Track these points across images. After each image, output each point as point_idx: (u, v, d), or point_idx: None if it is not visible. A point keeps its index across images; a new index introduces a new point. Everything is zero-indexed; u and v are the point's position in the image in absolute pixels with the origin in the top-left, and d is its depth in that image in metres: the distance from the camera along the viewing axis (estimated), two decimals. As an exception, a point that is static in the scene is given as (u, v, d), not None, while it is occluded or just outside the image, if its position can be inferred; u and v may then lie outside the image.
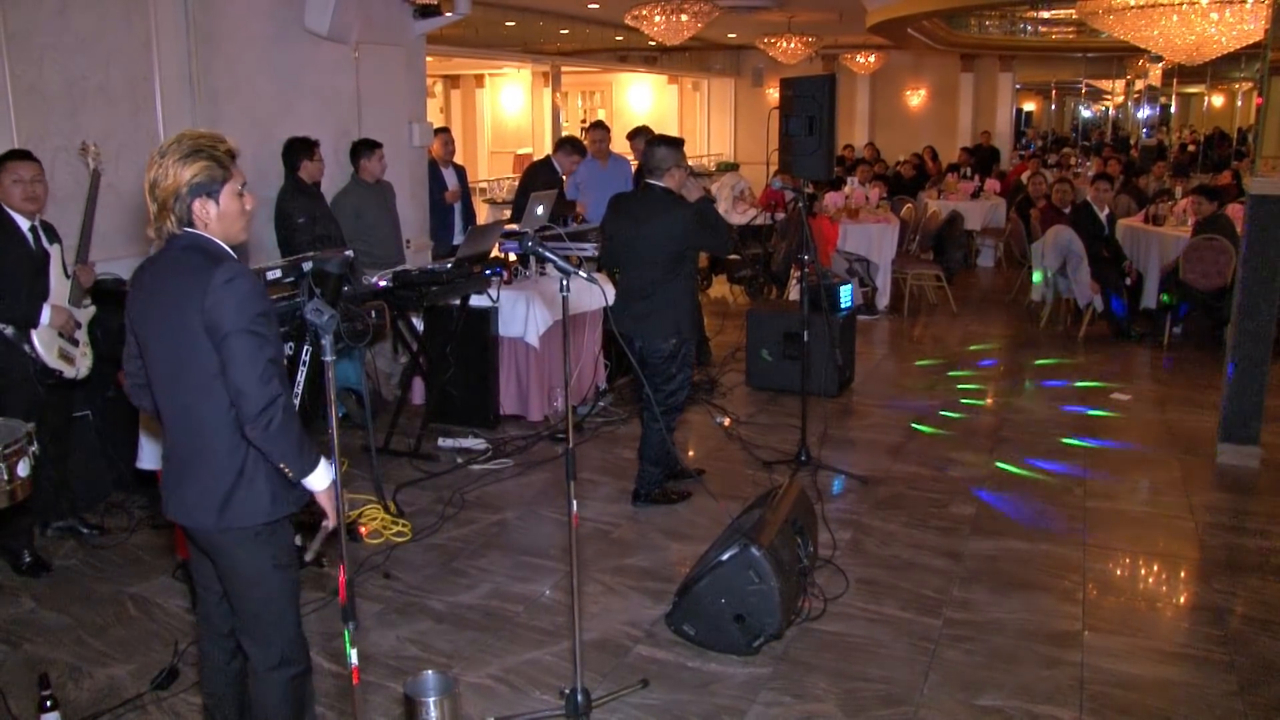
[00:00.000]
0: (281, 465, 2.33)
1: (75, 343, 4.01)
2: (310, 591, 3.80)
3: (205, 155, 2.30)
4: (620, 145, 8.21)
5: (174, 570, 3.89)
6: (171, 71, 5.09)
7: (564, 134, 7.54)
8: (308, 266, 4.19)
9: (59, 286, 3.93)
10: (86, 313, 4.09)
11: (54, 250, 3.93)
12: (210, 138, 2.34)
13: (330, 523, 2.43)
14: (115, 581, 3.91)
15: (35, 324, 3.83)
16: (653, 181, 4.44)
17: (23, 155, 3.86)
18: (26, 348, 3.82)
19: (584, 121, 17.78)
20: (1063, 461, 5.21)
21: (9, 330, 3.79)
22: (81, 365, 4.04)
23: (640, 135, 7.23)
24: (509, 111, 19.17)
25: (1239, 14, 8.42)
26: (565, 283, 2.77)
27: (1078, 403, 6.25)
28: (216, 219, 2.34)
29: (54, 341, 3.89)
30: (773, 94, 15.84)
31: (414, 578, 3.94)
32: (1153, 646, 3.43)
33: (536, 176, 6.97)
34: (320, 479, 2.38)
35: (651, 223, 4.38)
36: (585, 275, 2.75)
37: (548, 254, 2.79)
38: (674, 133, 18.74)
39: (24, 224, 3.81)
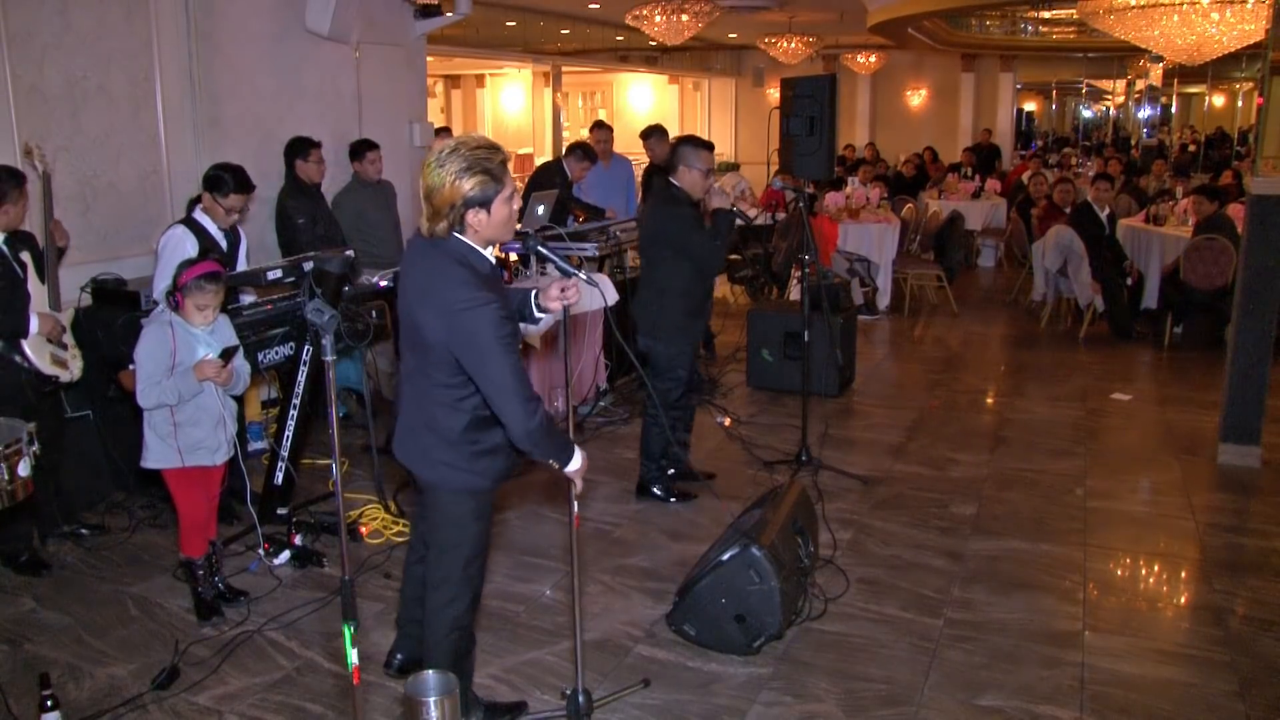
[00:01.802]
0: (547, 461, 2.64)
1: (64, 346, 3.99)
2: (311, 591, 3.81)
3: (481, 169, 2.47)
4: (624, 145, 8.20)
5: (174, 570, 3.89)
6: (172, 71, 5.09)
7: (576, 140, 7.55)
8: (308, 266, 4.20)
9: (36, 293, 3.89)
10: (66, 315, 4.06)
11: (26, 257, 3.88)
12: (487, 150, 2.51)
13: (576, 489, 2.76)
14: (115, 581, 3.91)
15: (25, 333, 3.80)
16: (670, 178, 4.46)
17: (18, 183, 3.80)
18: (17, 358, 3.79)
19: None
20: (1064, 461, 5.21)
21: None
22: (74, 367, 4.03)
23: (652, 134, 7.23)
24: (510, 111, 19.18)
25: (1239, 14, 8.42)
26: (567, 301, 2.77)
27: (1078, 403, 6.25)
28: (487, 226, 2.53)
29: (44, 348, 3.87)
30: (773, 94, 15.84)
31: (414, 578, 3.94)
32: (1153, 647, 3.43)
33: (550, 179, 6.98)
34: (574, 466, 2.67)
35: (651, 217, 4.47)
36: (585, 276, 2.75)
37: (549, 254, 2.79)
38: (674, 132, 18.76)
39: None
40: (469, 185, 2.46)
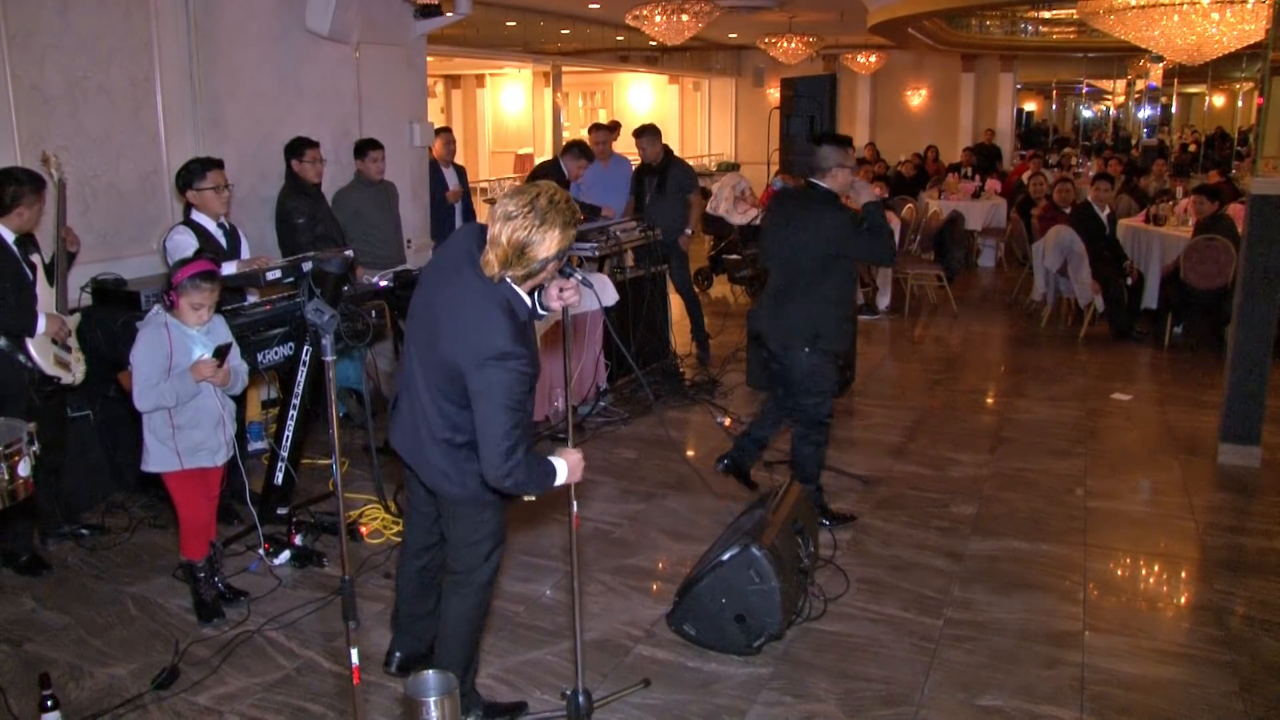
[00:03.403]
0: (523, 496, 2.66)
1: (68, 349, 4.00)
2: (311, 591, 3.81)
3: (574, 225, 2.51)
4: (624, 145, 8.22)
5: (174, 570, 3.89)
6: (172, 71, 5.09)
7: (574, 139, 7.60)
8: (307, 266, 4.20)
9: (45, 295, 3.92)
10: (73, 319, 4.09)
11: (36, 259, 3.91)
12: (573, 206, 2.56)
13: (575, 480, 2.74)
14: (116, 581, 3.91)
15: (32, 332, 3.82)
16: (814, 181, 4.24)
17: (37, 188, 3.84)
18: (21, 358, 3.81)
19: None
20: (1064, 461, 5.21)
21: (2, 342, 3.77)
22: (77, 370, 4.03)
23: (645, 134, 7.22)
24: (510, 111, 19.20)
25: (1240, 14, 8.42)
26: (564, 302, 2.76)
27: (1078, 403, 6.25)
28: (551, 274, 2.60)
29: (49, 349, 3.89)
30: (774, 94, 15.84)
31: (414, 578, 3.94)
32: (1153, 646, 3.43)
33: (546, 178, 6.98)
34: (560, 480, 2.64)
35: (802, 223, 4.20)
36: (581, 277, 2.75)
37: None
38: (674, 132, 18.81)
39: (9, 236, 3.79)
40: (564, 242, 2.51)
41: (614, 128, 8.09)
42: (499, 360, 2.47)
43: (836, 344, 4.34)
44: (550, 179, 6.91)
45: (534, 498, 2.68)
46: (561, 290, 2.70)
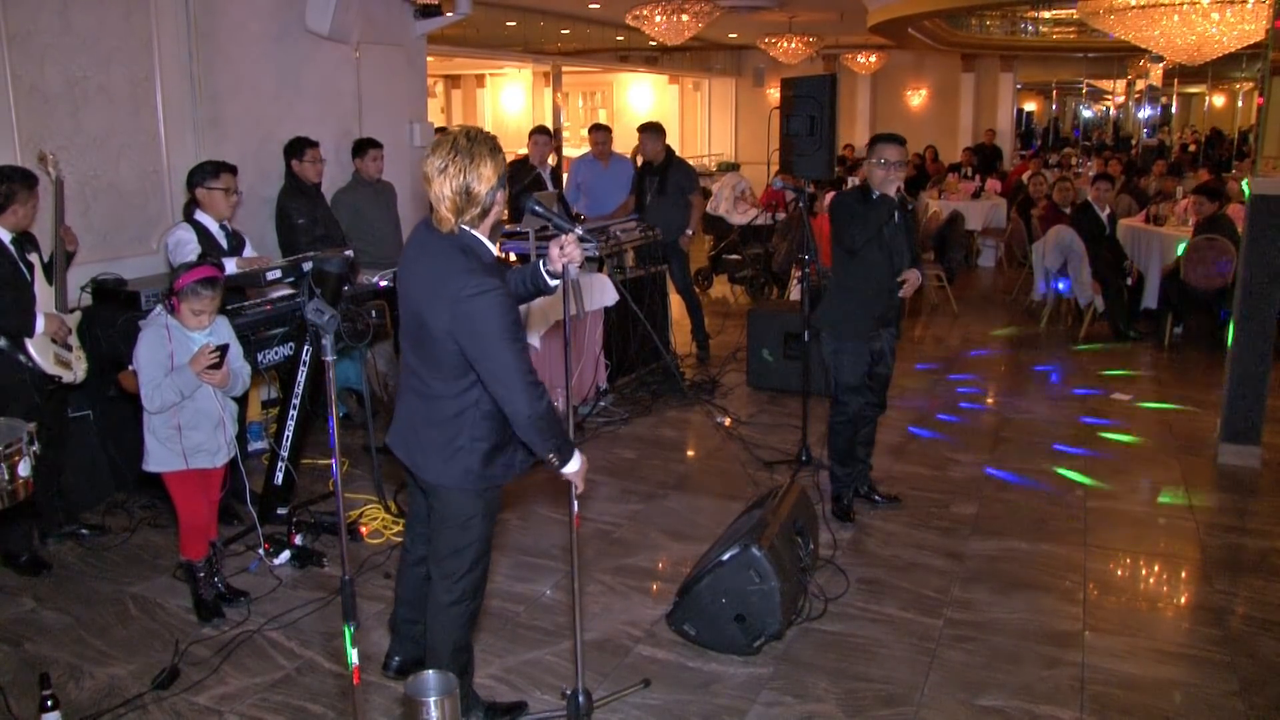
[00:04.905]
0: (548, 457, 2.61)
1: (69, 348, 4.00)
2: (311, 591, 3.81)
3: (500, 151, 2.54)
4: (624, 145, 8.22)
5: (174, 570, 3.89)
6: (173, 71, 5.09)
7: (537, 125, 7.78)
8: (308, 266, 4.20)
9: (44, 294, 3.91)
10: (73, 318, 4.09)
11: (34, 259, 3.91)
12: (487, 134, 2.57)
13: (578, 489, 2.75)
14: (116, 581, 3.91)
15: (30, 333, 3.82)
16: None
17: (29, 184, 3.84)
18: (22, 358, 3.81)
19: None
20: (1063, 461, 5.21)
21: (1, 342, 3.77)
22: (78, 369, 4.04)
23: (647, 131, 7.21)
24: (510, 111, 19.19)
25: (1240, 14, 8.42)
26: (566, 259, 2.72)
27: (1078, 403, 6.25)
28: (502, 203, 2.61)
29: (48, 348, 3.89)
30: (774, 94, 15.84)
31: (414, 578, 3.93)
32: (1153, 647, 3.43)
33: (520, 175, 7.04)
34: (573, 466, 2.66)
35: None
36: (580, 232, 2.73)
37: (544, 213, 2.77)
38: (675, 132, 18.81)
39: (5, 235, 3.78)
40: (498, 166, 2.53)
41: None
42: (472, 295, 2.45)
43: (842, 331, 4.34)
44: (520, 174, 7.03)
45: (548, 458, 2.62)
46: (562, 248, 2.69)
